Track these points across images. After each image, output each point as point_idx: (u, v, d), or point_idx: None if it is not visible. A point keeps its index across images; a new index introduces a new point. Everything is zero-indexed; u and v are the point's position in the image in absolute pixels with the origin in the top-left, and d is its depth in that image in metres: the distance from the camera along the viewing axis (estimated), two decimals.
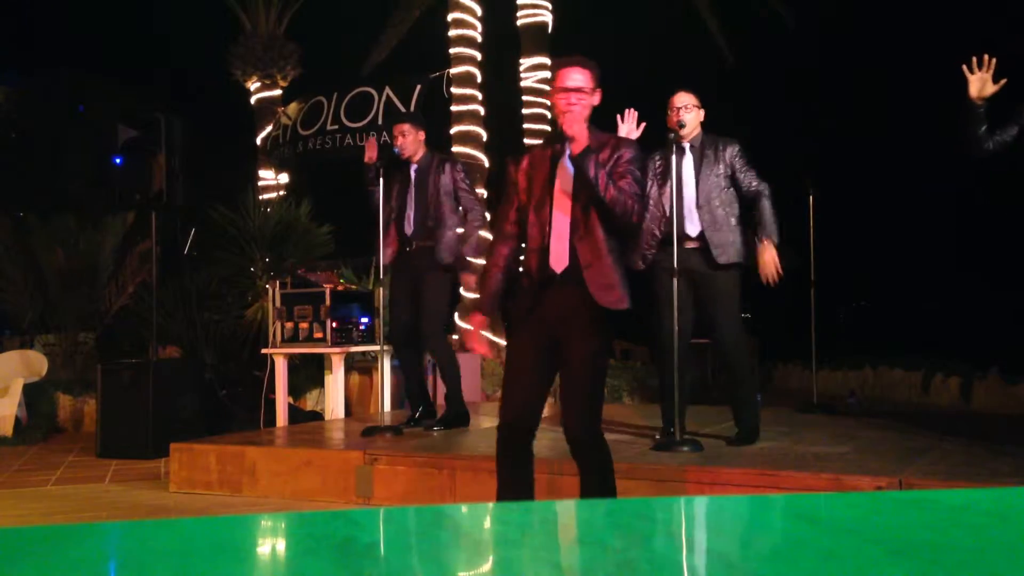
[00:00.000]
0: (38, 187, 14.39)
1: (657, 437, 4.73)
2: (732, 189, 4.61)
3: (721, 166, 4.59)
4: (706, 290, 4.57)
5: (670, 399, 4.52)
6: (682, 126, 4.54)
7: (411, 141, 5.37)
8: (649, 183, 4.59)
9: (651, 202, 4.61)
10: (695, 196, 4.58)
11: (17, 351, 8.67)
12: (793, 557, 0.91)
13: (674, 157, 4.47)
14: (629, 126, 3.88)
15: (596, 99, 3.13)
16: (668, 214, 4.52)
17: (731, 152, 4.60)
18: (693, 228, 4.56)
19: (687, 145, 4.62)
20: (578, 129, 3.02)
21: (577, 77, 3.07)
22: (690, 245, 4.55)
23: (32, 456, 6.59)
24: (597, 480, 3.21)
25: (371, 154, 5.40)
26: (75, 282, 9.57)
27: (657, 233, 4.58)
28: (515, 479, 3.30)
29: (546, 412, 6.73)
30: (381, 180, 5.25)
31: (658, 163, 4.65)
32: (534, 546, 1.01)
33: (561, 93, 3.08)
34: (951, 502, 1.22)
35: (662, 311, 4.54)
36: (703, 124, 4.69)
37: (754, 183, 4.62)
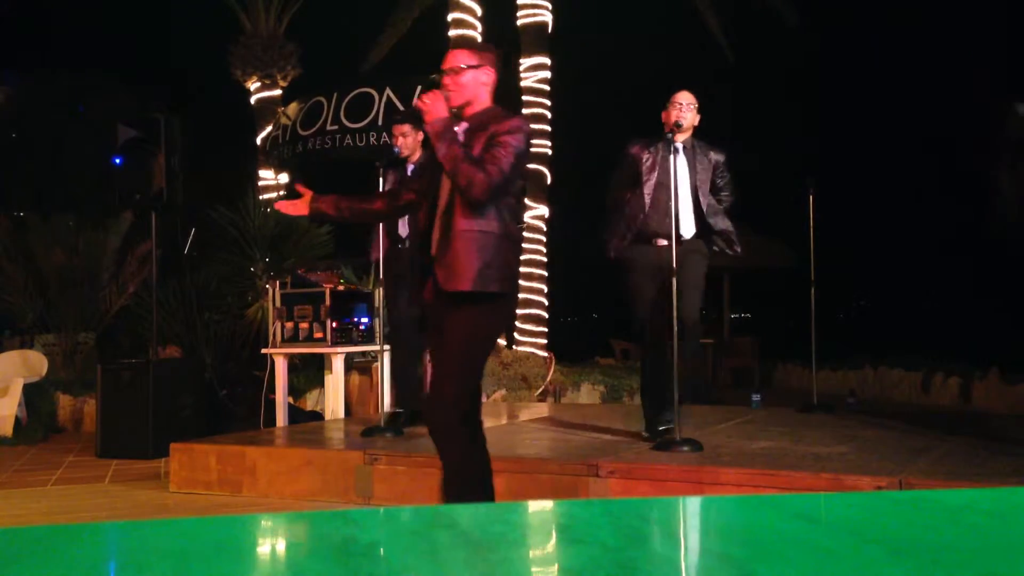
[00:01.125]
0: (38, 187, 14.39)
1: (644, 435, 4.77)
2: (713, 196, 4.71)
3: (707, 169, 4.65)
4: (677, 276, 4.56)
5: (650, 395, 4.62)
6: (679, 125, 4.54)
7: (410, 142, 5.42)
8: (645, 176, 4.60)
9: (635, 194, 4.64)
10: (689, 197, 4.60)
11: (17, 351, 8.66)
12: (793, 557, 0.91)
13: (673, 157, 4.46)
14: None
15: (483, 76, 3.17)
16: (648, 210, 4.55)
17: (718, 159, 4.68)
18: (687, 230, 4.59)
19: (680, 145, 4.62)
20: (458, 109, 3.13)
21: (453, 59, 3.17)
22: (663, 243, 4.55)
23: (32, 456, 6.59)
24: (449, 478, 3.15)
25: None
26: (75, 282, 9.57)
27: (634, 225, 4.59)
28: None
29: (545, 412, 6.74)
30: (381, 180, 5.27)
31: (646, 158, 4.65)
32: (534, 546, 1.01)
33: (443, 78, 3.19)
34: (951, 502, 1.21)
35: (635, 301, 4.61)
36: (695, 127, 4.73)
37: (726, 195, 4.73)
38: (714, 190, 4.68)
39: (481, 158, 2.98)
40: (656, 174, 4.56)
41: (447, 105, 3.08)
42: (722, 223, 4.65)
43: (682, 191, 4.58)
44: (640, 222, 4.57)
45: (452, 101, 3.11)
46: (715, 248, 4.72)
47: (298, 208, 3.33)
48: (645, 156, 4.65)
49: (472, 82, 3.14)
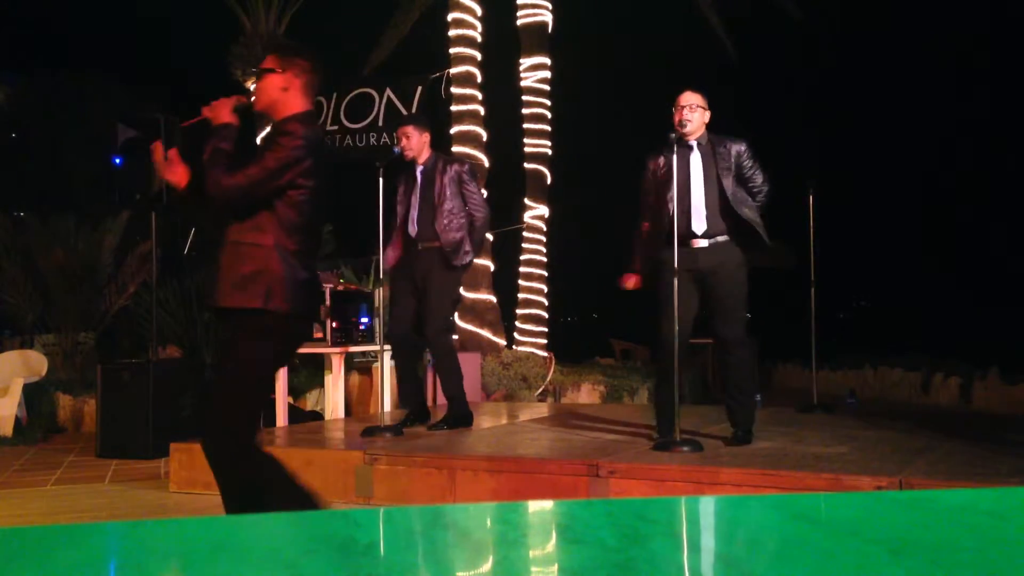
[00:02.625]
0: (38, 187, 14.39)
1: (655, 437, 4.73)
2: (742, 188, 4.61)
3: (728, 160, 4.58)
4: (713, 289, 4.56)
5: (667, 400, 4.54)
6: (683, 126, 4.53)
7: (415, 143, 5.37)
8: (664, 182, 4.58)
9: (652, 200, 4.63)
10: (703, 196, 4.57)
11: (17, 351, 8.66)
12: (793, 557, 0.91)
13: (674, 157, 4.46)
14: None
15: (280, 82, 2.99)
16: (672, 214, 4.51)
17: (737, 150, 4.59)
18: (699, 226, 4.55)
19: (694, 143, 4.61)
20: (266, 112, 3.07)
21: (264, 62, 3.05)
22: (697, 244, 4.55)
23: (32, 456, 6.59)
24: (227, 503, 2.86)
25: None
26: (75, 282, 9.57)
27: (662, 232, 4.57)
28: None
29: (545, 412, 6.74)
30: (381, 180, 5.26)
31: (662, 164, 4.64)
32: (534, 546, 1.01)
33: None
34: (951, 502, 1.21)
35: (663, 310, 4.52)
36: (708, 125, 4.69)
37: (759, 183, 4.63)
38: (743, 181, 4.62)
39: (241, 163, 2.83)
40: (676, 177, 4.51)
41: (252, 107, 3.01)
42: (749, 214, 4.54)
43: (696, 189, 4.56)
44: (669, 226, 4.51)
45: (256, 105, 3.04)
46: (750, 250, 4.59)
47: (177, 175, 3.04)
48: (661, 162, 4.65)
49: (270, 87, 2.99)
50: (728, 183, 4.54)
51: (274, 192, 2.84)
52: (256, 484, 2.86)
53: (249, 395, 2.90)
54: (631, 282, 4.79)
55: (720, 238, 4.55)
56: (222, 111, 2.97)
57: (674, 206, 4.46)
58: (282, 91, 2.99)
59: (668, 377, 4.50)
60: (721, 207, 4.55)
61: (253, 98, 3.03)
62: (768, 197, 4.65)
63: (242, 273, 2.80)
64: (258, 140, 11.82)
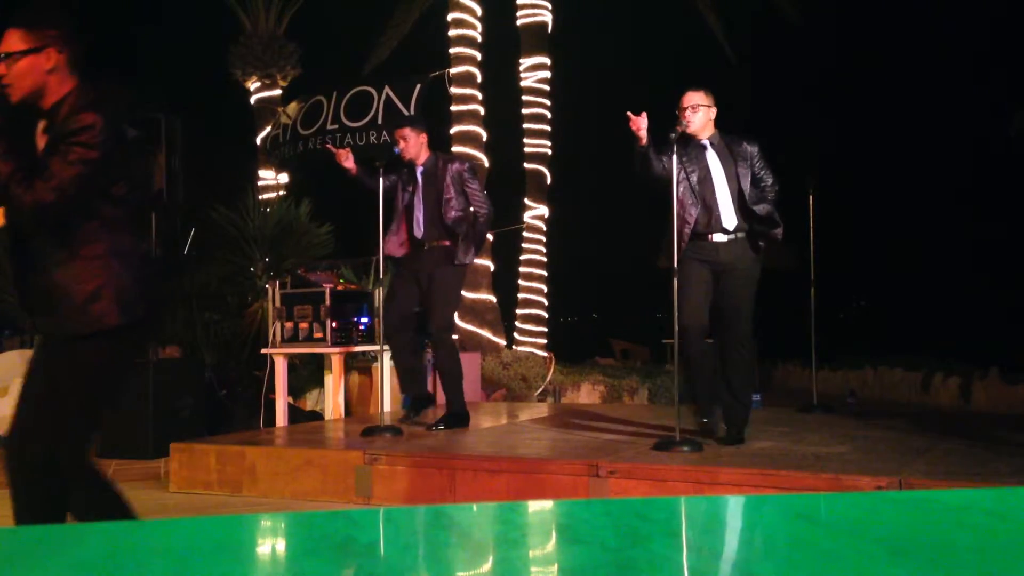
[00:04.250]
0: None
1: (703, 422, 4.78)
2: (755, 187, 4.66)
3: (745, 159, 4.62)
4: (727, 284, 4.58)
5: (699, 392, 4.63)
6: (683, 126, 4.55)
7: (413, 145, 5.39)
8: (678, 181, 4.56)
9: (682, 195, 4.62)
10: (727, 192, 4.59)
11: (17, 351, 8.65)
12: (793, 557, 0.91)
13: (674, 157, 4.47)
14: None
15: (44, 61, 2.54)
16: (692, 210, 4.54)
17: (752, 151, 4.65)
18: (721, 222, 4.56)
19: (706, 142, 4.64)
20: (31, 103, 2.56)
21: (4, 44, 2.55)
22: (716, 239, 4.56)
23: None
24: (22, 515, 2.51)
25: (349, 164, 5.41)
26: None
27: (683, 229, 4.57)
28: None
29: (545, 412, 6.74)
30: (381, 180, 5.27)
31: (684, 159, 4.62)
32: (534, 546, 1.01)
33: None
34: (951, 502, 1.22)
35: (682, 299, 4.50)
36: (717, 122, 4.71)
37: (770, 182, 4.68)
38: (755, 181, 4.65)
39: (32, 178, 2.40)
40: (694, 175, 4.55)
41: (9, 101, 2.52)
42: (766, 208, 4.59)
43: (719, 185, 4.58)
44: (679, 223, 4.52)
45: (14, 96, 2.52)
46: (761, 244, 4.63)
47: None
48: (675, 159, 4.66)
49: (32, 69, 2.51)
50: (746, 182, 4.61)
51: (92, 196, 2.48)
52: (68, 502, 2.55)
53: (87, 407, 2.57)
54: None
55: (739, 234, 4.61)
56: None
57: (674, 204, 4.47)
58: (47, 73, 2.54)
59: (691, 364, 4.54)
60: (739, 204, 4.60)
61: (6, 88, 2.51)
62: (777, 196, 4.70)
63: (84, 291, 2.46)
64: (258, 140, 11.86)
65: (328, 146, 5.31)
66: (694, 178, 4.55)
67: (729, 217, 4.57)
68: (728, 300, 4.59)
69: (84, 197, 2.47)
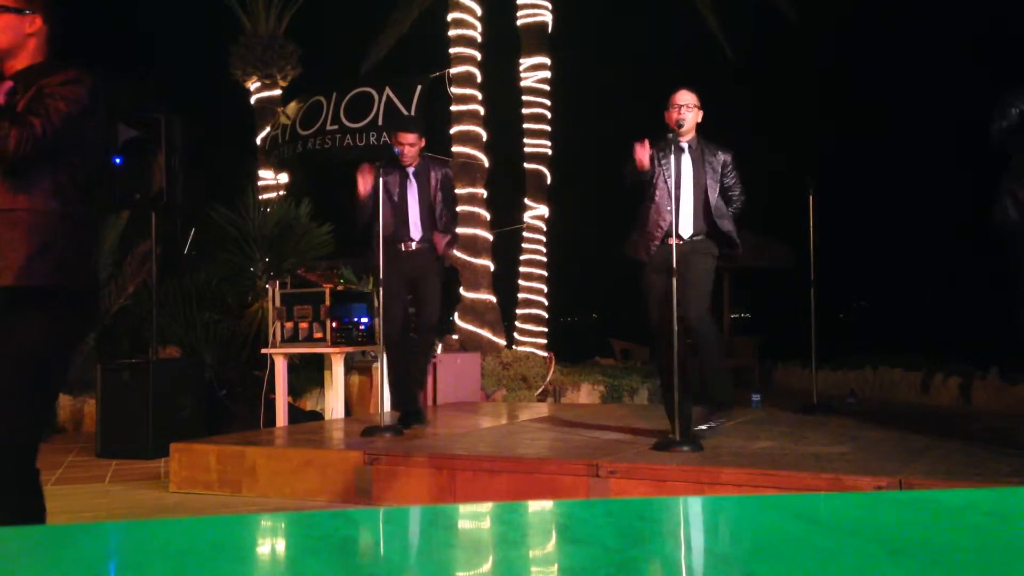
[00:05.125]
0: None
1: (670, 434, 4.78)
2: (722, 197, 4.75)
3: (716, 170, 4.66)
4: (682, 275, 4.59)
5: (674, 395, 4.61)
6: (680, 125, 4.55)
7: (415, 151, 5.54)
8: (652, 178, 4.63)
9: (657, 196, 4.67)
10: (691, 200, 4.64)
11: None
12: (793, 557, 0.91)
13: (672, 157, 4.47)
14: None
15: (26, 24, 2.55)
16: (657, 210, 4.61)
17: (724, 159, 4.70)
18: (682, 229, 4.63)
19: (685, 145, 4.64)
20: None
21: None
22: (673, 243, 4.57)
23: None
24: None
25: (366, 188, 5.40)
26: None
27: (645, 226, 4.67)
28: None
29: (545, 412, 6.73)
30: (381, 180, 5.31)
31: (661, 159, 4.66)
32: (534, 546, 1.01)
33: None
34: (951, 502, 1.22)
35: (646, 304, 4.71)
36: (699, 126, 4.74)
37: (736, 194, 4.75)
38: (723, 191, 4.70)
39: (21, 113, 2.39)
40: (662, 174, 4.60)
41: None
42: (727, 225, 4.69)
43: (685, 191, 4.63)
44: (652, 223, 4.64)
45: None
46: (723, 252, 4.77)
47: None
48: (659, 158, 4.69)
49: (13, 26, 2.50)
50: (713, 194, 4.69)
51: (65, 147, 2.45)
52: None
53: (34, 388, 2.43)
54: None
55: (696, 238, 4.70)
56: None
57: (673, 203, 4.49)
58: (26, 36, 2.53)
59: (668, 371, 4.57)
60: (704, 213, 4.68)
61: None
62: (743, 207, 4.80)
63: (32, 246, 2.38)
64: (258, 140, 11.86)
65: (366, 166, 5.42)
66: (671, 182, 4.57)
67: (687, 226, 4.66)
68: (684, 288, 4.56)
69: (64, 142, 2.44)
